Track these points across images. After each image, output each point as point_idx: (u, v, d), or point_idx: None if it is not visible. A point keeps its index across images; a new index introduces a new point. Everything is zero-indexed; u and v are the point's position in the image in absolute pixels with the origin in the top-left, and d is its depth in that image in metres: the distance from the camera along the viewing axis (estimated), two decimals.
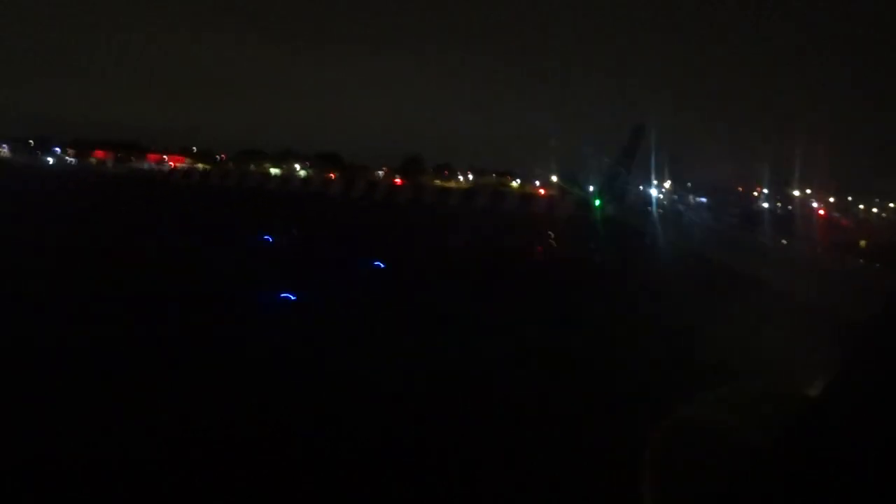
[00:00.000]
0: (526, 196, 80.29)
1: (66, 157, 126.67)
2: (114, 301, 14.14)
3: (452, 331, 13.13)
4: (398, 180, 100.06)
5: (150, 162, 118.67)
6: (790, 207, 76.52)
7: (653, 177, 58.84)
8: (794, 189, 78.08)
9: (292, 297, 15.02)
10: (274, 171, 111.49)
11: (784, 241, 30.24)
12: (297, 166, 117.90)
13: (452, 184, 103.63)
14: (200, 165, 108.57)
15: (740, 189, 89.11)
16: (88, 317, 12.61)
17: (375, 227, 40.18)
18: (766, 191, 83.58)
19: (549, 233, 36.29)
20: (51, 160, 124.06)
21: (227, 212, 44.61)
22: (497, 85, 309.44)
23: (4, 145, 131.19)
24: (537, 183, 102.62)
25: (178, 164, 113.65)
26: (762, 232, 39.40)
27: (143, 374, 9.51)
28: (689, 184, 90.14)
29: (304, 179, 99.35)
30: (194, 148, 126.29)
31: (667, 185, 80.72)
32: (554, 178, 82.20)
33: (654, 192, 65.93)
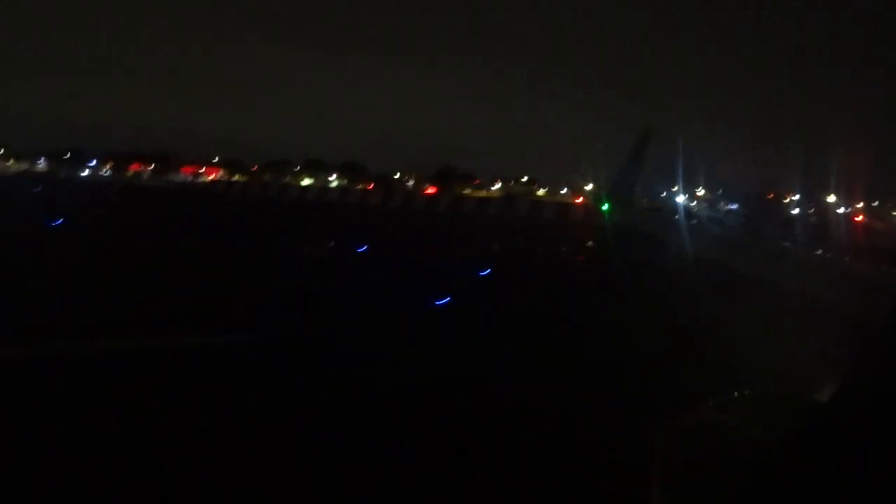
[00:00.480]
0: (562, 205, 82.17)
1: (102, 170, 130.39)
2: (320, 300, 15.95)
3: (580, 330, 14.26)
4: (431, 189, 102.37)
5: (184, 174, 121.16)
6: (822, 213, 75.20)
7: (679, 183, 57.36)
8: (826, 194, 76.86)
9: (449, 301, 16.22)
10: (306, 181, 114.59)
11: (820, 251, 29.22)
12: (330, 177, 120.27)
13: (484, 192, 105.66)
14: (237, 177, 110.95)
15: (770, 196, 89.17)
16: (299, 318, 13.95)
17: (440, 236, 42.15)
18: (797, 196, 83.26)
19: (589, 242, 37.60)
20: (86, 173, 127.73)
21: (307, 223, 46.33)
22: (510, 89, 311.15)
23: (42, 159, 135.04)
24: (564, 191, 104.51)
25: (215, 176, 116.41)
26: (797, 240, 39.12)
27: (361, 369, 10.55)
28: (721, 190, 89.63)
29: (340, 190, 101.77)
30: (216, 158, 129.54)
31: (700, 192, 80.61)
32: (588, 186, 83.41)
33: (680, 199, 64.01)
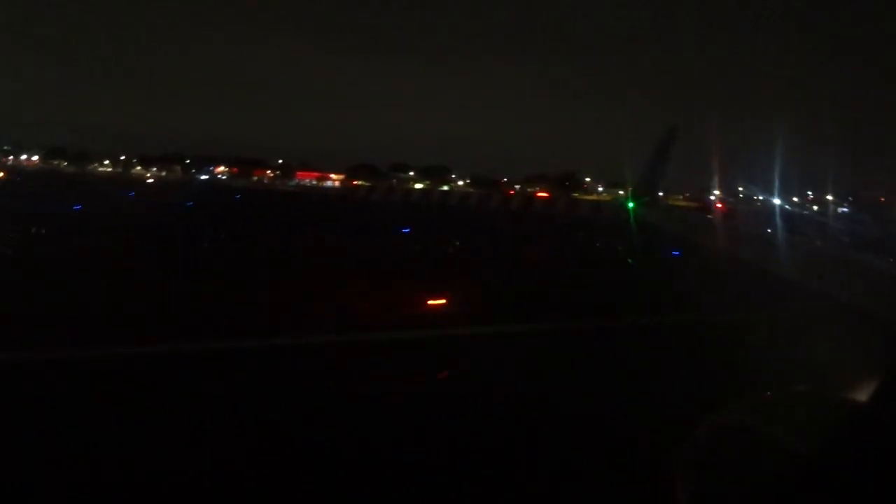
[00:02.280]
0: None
1: (218, 175, 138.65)
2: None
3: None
4: (544, 193, 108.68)
5: (300, 179, 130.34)
6: None
7: (776, 184, 53.68)
8: None
9: None
10: (418, 185, 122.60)
11: None
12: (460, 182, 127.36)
13: (594, 196, 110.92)
14: (361, 182, 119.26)
15: (882, 199, 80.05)
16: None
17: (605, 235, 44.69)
18: None
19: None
20: (204, 177, 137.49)
21: (478, 228, 51.50)
22: (556, 90, 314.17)
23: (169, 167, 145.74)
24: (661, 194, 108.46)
25: (337, 182, 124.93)
26: None
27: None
28: (830, 195, 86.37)
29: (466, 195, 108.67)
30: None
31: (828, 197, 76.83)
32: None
33: (777, 201, 58.86)
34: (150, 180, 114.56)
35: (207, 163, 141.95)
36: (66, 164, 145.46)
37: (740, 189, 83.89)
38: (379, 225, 46.25)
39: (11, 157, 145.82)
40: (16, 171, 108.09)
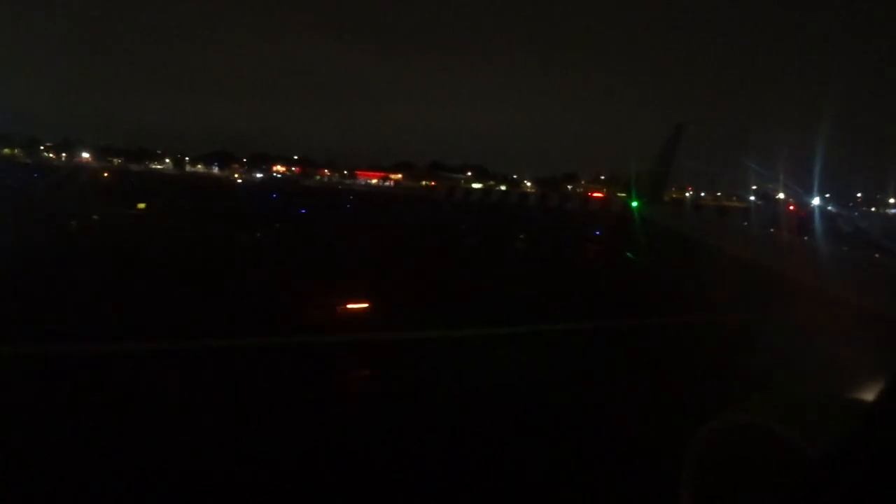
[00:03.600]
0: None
1: (275, 174, 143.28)
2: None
3: None
4: (599, 194, 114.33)
5: (361, 178, 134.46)
6: None
7: (815, 185, 55.82)
8: None
9: None
10: (476, 185, 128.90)
11: None
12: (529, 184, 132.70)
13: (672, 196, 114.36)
14: (423, 182, 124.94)
15: None
16: None
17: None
18: None
19: None
20: (260, 175, 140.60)
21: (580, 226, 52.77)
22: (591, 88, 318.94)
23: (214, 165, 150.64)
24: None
25: (392, 182, 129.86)
26: None
27: None
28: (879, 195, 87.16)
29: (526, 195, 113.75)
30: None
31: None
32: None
33: (816, 201, 61.92)
34: (240, 181, 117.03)
35: (263, 161, 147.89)
36: (119, 161, 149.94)
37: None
38: (552, 228, 50.16)
39: (64, 155, 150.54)
40: (116, 172, 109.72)
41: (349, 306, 15.20)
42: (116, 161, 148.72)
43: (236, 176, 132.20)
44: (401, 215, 55.05)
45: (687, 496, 1.69)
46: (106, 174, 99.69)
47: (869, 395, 1.42)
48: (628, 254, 31.06)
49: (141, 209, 39.23)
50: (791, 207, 66.41)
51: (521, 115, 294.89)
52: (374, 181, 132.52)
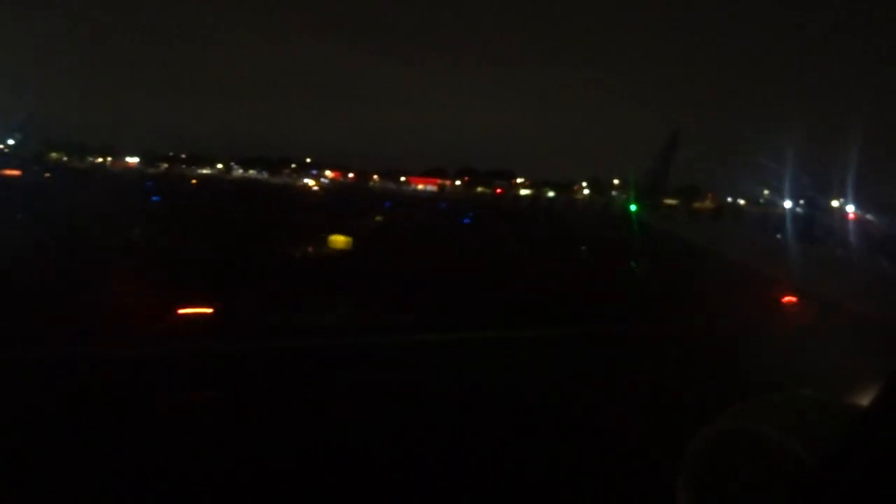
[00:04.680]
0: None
1: (323, 180, 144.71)
2: None
3: None
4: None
5: (413, 184, 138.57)
6: None
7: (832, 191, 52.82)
8: None
9: None
10: (524, 192, 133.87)
11: None
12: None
13: (707, 204, 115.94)
14: (480, 189, 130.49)
15: None
16: None
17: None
18: None
19: None
20: (322, 182, 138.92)
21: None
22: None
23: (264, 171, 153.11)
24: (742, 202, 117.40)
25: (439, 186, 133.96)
26: None
27: None
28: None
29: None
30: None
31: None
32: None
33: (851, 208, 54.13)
34: (315, 188, 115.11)
35: (311, 167, 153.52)
36: (166, 165, 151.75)
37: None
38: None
39: (110, 159, 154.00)
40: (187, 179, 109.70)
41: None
42: (164, 166, 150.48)
43: (311, 182, 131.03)
44: (526, 228, 49.93)
45: (683, 502, 1.65)
46: (193, 181, 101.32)
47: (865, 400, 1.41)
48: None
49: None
50: (851, 216, 56.28)
51: (539, 117, 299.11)
52: (421, 186, 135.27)
